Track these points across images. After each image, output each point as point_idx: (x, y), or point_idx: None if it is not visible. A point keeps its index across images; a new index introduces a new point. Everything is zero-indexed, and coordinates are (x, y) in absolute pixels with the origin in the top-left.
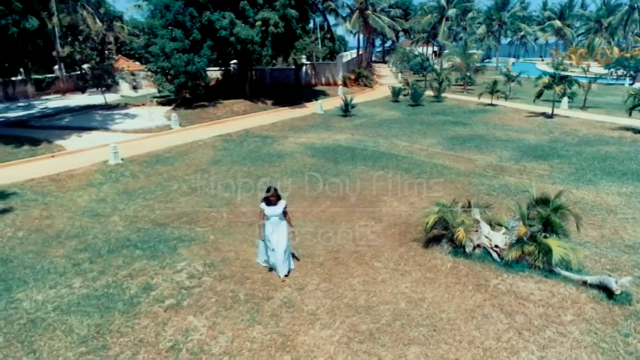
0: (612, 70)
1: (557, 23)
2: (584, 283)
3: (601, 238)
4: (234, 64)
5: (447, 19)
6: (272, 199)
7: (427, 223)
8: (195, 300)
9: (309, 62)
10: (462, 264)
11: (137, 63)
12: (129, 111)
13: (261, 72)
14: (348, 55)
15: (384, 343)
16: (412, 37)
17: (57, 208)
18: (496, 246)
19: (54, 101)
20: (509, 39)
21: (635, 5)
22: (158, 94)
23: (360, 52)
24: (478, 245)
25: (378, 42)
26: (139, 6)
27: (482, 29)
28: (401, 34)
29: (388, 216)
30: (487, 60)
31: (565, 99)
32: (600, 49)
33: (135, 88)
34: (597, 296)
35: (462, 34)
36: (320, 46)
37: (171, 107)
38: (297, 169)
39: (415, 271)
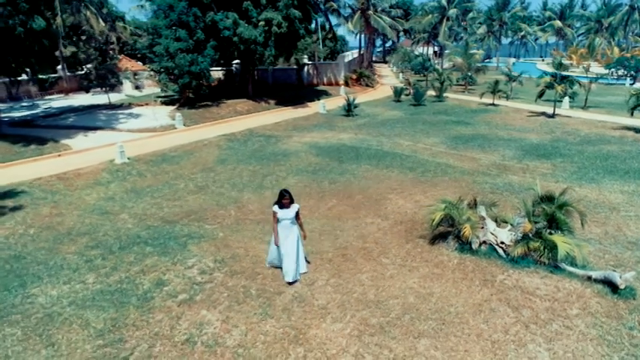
0: (613, 70)
1: (558, 23)
2: (589, 278)
3: (604, 235)
4: (236, 64)
5: (448, 20)
6: (285, 202)
7: (434, 220)
8: (207, 295)
9: (311, 62)
10: (468, 260)
11: (139, 63)
12: (133, 110)
13: (264, 72)
14: (350, 55)
15: (395, 335)
16: (413, 37)
17: (66, 206)
18: (502, 242)
19: (57, 101)
20: (509, 39)
21: (636, 5)
22: (162, 94)
23: (362, 52)
24: (484, 242)
25: (378, 42)
26: (142, 6)
27: (482, 29)
28: (401, 34)
29: (394, 213)
30: (487, 60)
31: (566, 99)
32: (601, 49)
33: (137, 87)
34: (602, 291)
35: (462, 35)
36: (321, 46)
37: (175, 107)
38: (303, 168)
39: (422, 266)
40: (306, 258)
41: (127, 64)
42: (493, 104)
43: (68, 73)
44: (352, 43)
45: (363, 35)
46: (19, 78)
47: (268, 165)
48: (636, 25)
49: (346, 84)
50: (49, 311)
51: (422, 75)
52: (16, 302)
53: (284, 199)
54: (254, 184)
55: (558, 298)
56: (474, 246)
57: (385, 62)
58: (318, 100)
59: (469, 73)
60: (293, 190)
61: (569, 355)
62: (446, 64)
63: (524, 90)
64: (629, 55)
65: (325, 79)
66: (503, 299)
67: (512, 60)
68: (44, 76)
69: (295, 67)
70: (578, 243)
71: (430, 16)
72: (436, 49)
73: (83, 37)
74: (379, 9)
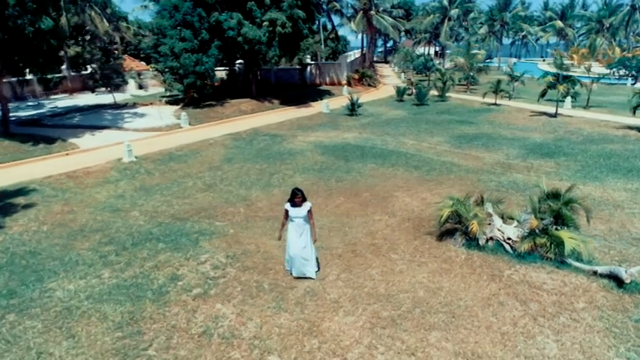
0: (614, 70)
1: (559, 23)
2: (595, 273)
3: (609, 232)
4: (239, 63)
5: (450, 20)
6: (297, 200)
7: (442, 217)
8: (221, 289)
9: (313, 62)
10: (475, 256)
11: (143, 63)
12: (137, 110)
13: (266, 72)
14: (352, 55)
15: (406, 328)
16: (414, 37)
17: (77, 204)
18: (509, 238)
19: (62, 101)
20: (510, 39)
21: (637, 5)
22: (166, 94)
23: (364, 52)
24: (491, 238)
25: (379, 42)
26: (146, 6)
27: (484, 29)
28: (402, 34)
29: (401, 211)
30: (488, 60)
31: (568, 98)
32: (602, 49)
33: (141, 87)
34: (608, 285)
35: (463, 35)
36: (323, 46)
37: (180, 106)
38: (309, 167)
39: (431, 262)
40: (317, 260)
41: (131, 64)
42: (495, 104)
43: (72, 73)
44: (353, 43)
45: (364, 35)
46: (29, 77)
47: (275, 164)
48: (637, 25)
49: (349, 84)
50: (67, 305)
51: (424, 75)
52: (35, 296)
53: (296, 197)
54: (262, 182)
55: (565, 292)
56: (481, 242)
57: (386, 62)
58: (321, 99)
59: (471, 73)
60: (300, 187)
61: (576, 346)
62: (447, 64)
63: (526, 90)
64: (630, 55)
65: (328, 79)
66: (511, 293)
67: (514, 60)
68: (49, 76)
69: (298, 66)
70: (583, 239)
71: (432, 16)
72: (437, 49)
73: (87, 37)
74: (381, 9)
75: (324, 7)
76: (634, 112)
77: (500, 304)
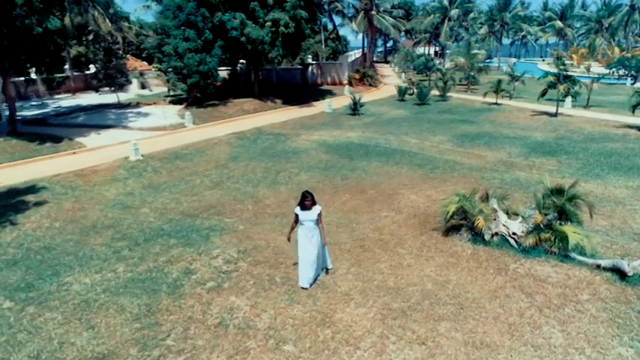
0: (614, 69)
1: (559, 24)
2: (598, 266)
3: (611, 227)
4: (240, 63)
5: (450, 20)
6: (307, 203)
7: (448, 213)
8: (234, 282)
9: (315, 62)
10: (481, 250)
11: (145, 63)
12: (141, 110)
13: (268, 71)
14: (353, 55)
15: (416, 319)
16: (414, 37)
17: (87, 201)
18: (513, 233)
19: (65, 100)
20: (510, 39)
21: (636, 6)
22: (170, 93)
23: (365, 52)
24: (496, 233)
25: (379, 42)
26: (148, 7)
27: (484, 30)
28: (402, 34)
29: (407, 208)
30: (488, 60)
31: (569, 98)
32: (601, 49)
33: (144, 87)
34: (611, 278)
35: (463, 35)
36: (323, 46)
37: (183, 106)
38: (314, 165)
39: (438, 256)
40: (328, 261)
41: (134, 63)
42: (496, 103)
43: (75, 73)
44: (353, 43)
45: (365, 35)
46: (30, 78)
47: (280, 162)
48: (636, 26)
49: (350, 84)
50: (84, 297)
51: (424, 75)
52: (52, 289)
53: (306, 200)
54: (268, 179)
55: (569, 284)
56: (487, 237)
57: (386, 62)
58: (323, 99)
59: (472, 73)
60: (306, 185)
61: (581, 335)
62: (447, 64)
63: (526, 90)
64: (629, 55)
65: (329, 79)
66: (517, 286)
67: (513, 60)
68: (52, 76)
69: (299, 66)
70: (587, 234)
71: (432, 16)
72: (437, 49)
73: (90, 37)
74: (381, 9)
75: (326, 7)
76: (633, 112)
77: (507, 296)
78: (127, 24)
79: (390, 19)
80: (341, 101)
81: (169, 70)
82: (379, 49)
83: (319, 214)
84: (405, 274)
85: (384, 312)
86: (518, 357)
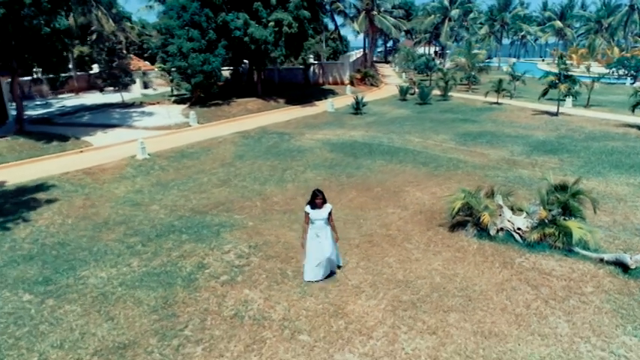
0: (614, 69)
1: (558, 24)
2: (601, 260)
3: (613, 223)
4: (243, 63)
5: (450, 20)
6: (318, 201)
7: (454, 209)
8: (247, 276)
9: (316, 62)
10: (487, 245)
11: (147, 63)
12: (145, 109)
13: (270, 71)
14: (354, 55)
15: (426, 310)
16: (414, 37)
17: (98, 198)
18: (518, 229)
19: (69, 100)
20: (510, 39)
21: (635, 6)
22: (174, 93)
23: (365, 52)
24: (501, 228)
25: (379, 42)
26: (151, 7)
27: (484, 30)
28: (402, 34)
29: (413, 204)
30: (488, 60)
31: (569, 97)
32: (601, 49)
33: (147, 86)
34: (614, 271)
35: (463, 35)
36: (324, 46)
37: (187, 105)
38: (319, 163)
39: (445, 251)
40: (339, 260)
41: (138, 63)
42: (497, 103)
43: (78, 73)
44: (353, 43)
45: (365, 35)
46: (37, 77)
47: (285, 160)
48: (636, 26)
49: (351, 83)
50: (102, 291)
51: (425, 74)
52: (70, 283)
53: (317, 198)
54: (275, 177)
55: (573, 277)
56: (492, 232)
57: (387, 62)
58: (325, 99)
59: (472, 73)
60: (313, 183)
61: (586, 325)
62: (448, 64)
63: (526, 89)
64: (629, 55)
65: (331, 79)
66: (522, 279)
67: (513, 60)
68: (57, 76)
69: (301, 66)
70: (590, 229)
71: (432, 16)
72: (437, 49)
73: (93, 37)
74: (382, 9)
75: (328, 7)
76: (633, 111)
77: (513, 288)
78: (129, 24)
79: (391, 19)
80: (343, 101)
81: (173, 69)
82: (379, 49)
83: (330, 213)
84: (413, 267)
85: (394, 304)
86: (526, 345)
